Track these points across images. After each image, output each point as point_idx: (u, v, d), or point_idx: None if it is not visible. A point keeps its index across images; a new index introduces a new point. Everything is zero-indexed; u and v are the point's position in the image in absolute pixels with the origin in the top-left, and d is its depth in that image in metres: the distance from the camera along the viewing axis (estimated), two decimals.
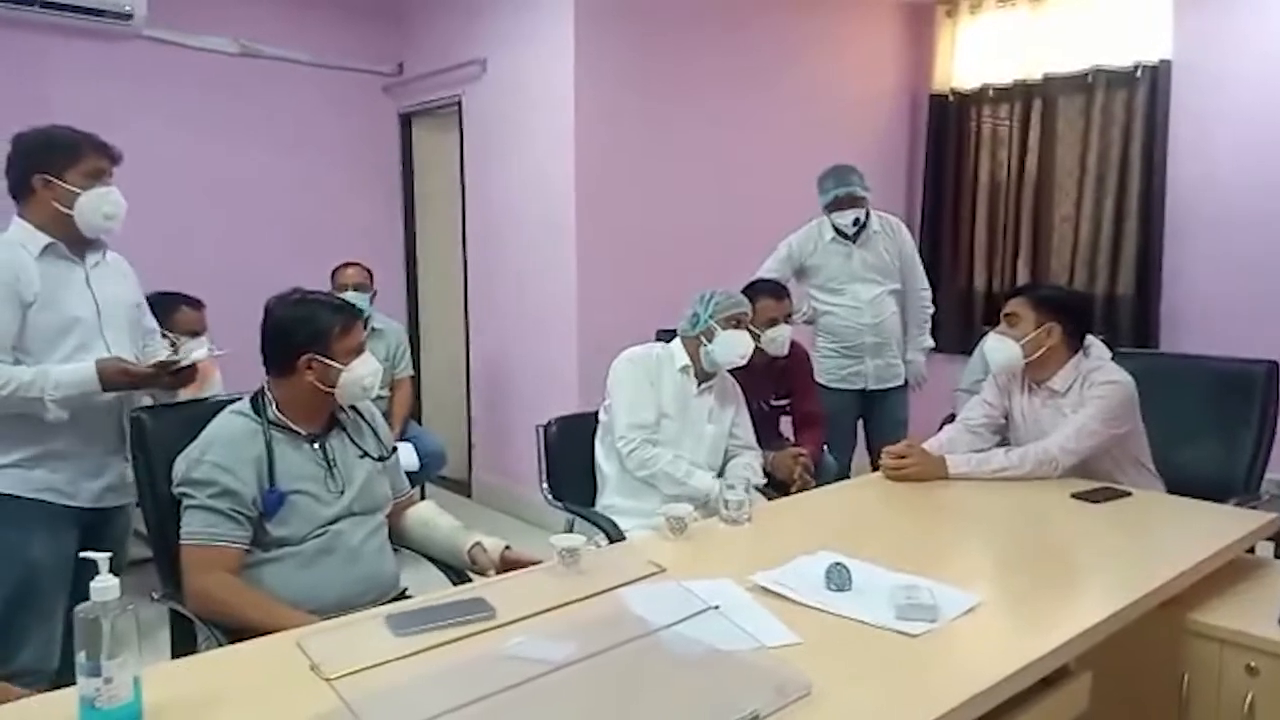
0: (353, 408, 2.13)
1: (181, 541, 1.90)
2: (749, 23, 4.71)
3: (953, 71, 5.33)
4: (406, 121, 5.30)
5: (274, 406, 2.01)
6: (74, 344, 2.18)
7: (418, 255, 5.44)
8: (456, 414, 5.21)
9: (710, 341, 2.72)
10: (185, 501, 1.92)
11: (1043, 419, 2.61)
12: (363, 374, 2.02)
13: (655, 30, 4.38)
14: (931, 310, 3.99)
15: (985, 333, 3.94)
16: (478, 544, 2.10)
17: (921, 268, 3.96)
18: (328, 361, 1.98)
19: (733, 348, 2.73)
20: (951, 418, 3.48)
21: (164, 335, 3.26)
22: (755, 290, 3.12)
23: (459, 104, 4.86)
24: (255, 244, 4.73)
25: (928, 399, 4.36)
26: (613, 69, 4.27)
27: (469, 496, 5.09)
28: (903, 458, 2.56)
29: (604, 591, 1.50)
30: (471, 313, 5.03)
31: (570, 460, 2.79)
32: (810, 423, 3.35)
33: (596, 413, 2.81)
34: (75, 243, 2.22)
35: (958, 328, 5.09)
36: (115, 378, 2.17)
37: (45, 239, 2.16)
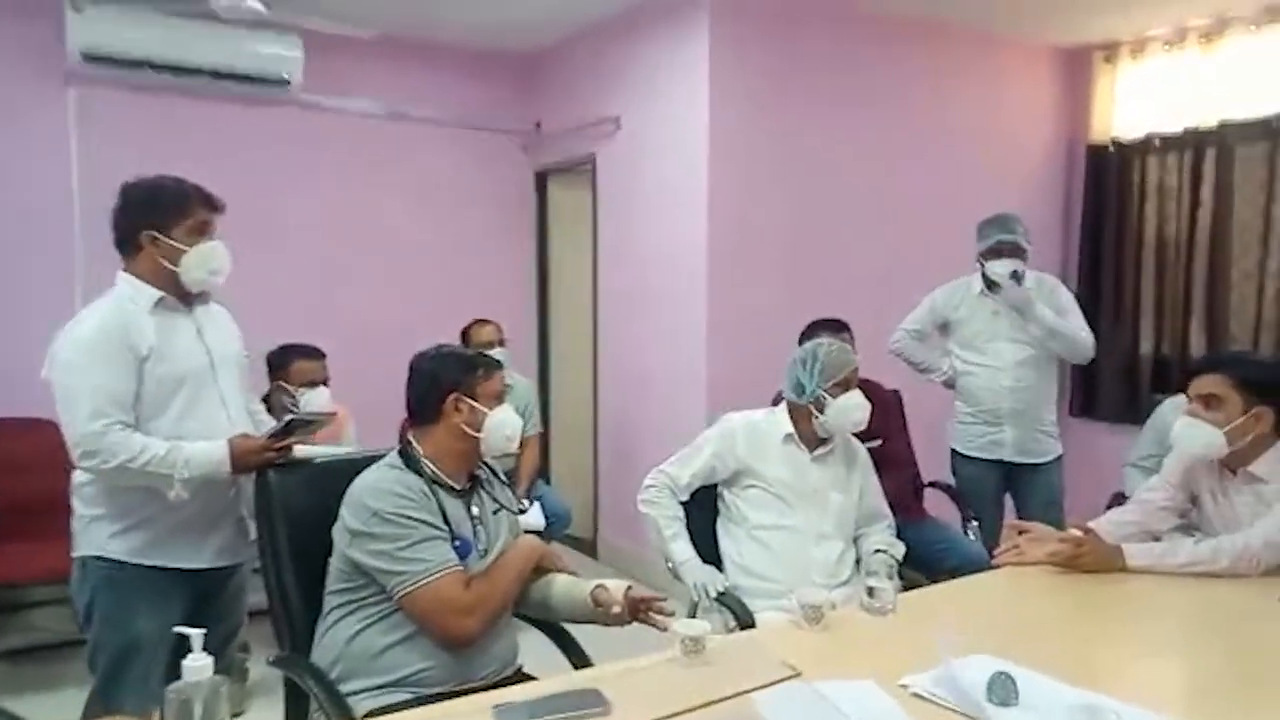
0: (484, 464, 2.10)
1: (418, 583, 1.82)
2: (892, 74, 4.54)
3: (1113, 120, 4.98)
4: (542, 179, 5.36)
5: (424, 460, 1.97)
6: (188, 395, 2.17)
7: (549, 312, 5.46)
8: (583, 473, 5.13)
9: (823, 412, 2.53)
10: (391, 547, 1.83)
11: (1239, 507, 2.28)
12: (505, 419, 2.01)
13: (793, 85, 4.27)
14: (1089, 341, 3.59)
15: (1157, 401, 3.61)
16: (600, 585, 2.01)
17: (1082, 316, 3.60)
18: (474, 403, 1.98)
19: (848, 414, 2.54)
20: (1120, 497, 3.15)
21: (281, 387, 3.36)
22: (815, 327, 3.19)
23: (593, 161, 4.87)
24: (392, 298, 4.85)
25: (1085, 472, 3.99)
26: (748, 124, 4.17)
27: (594, 558, 4.98)
28: (1080, 546, 2.24)
29: (732, 696, 1.34)
30: (600, 370, 4.97)
31: (693, 529, 2.61)
32: (890, 465, 3.04)
33: (716, 486, 2.65)
34: (181, 296, 2.21)
35: (1122, 395, 4.68)
36: (246, 458, 2.13)
37: (156, 293, 2.16)
